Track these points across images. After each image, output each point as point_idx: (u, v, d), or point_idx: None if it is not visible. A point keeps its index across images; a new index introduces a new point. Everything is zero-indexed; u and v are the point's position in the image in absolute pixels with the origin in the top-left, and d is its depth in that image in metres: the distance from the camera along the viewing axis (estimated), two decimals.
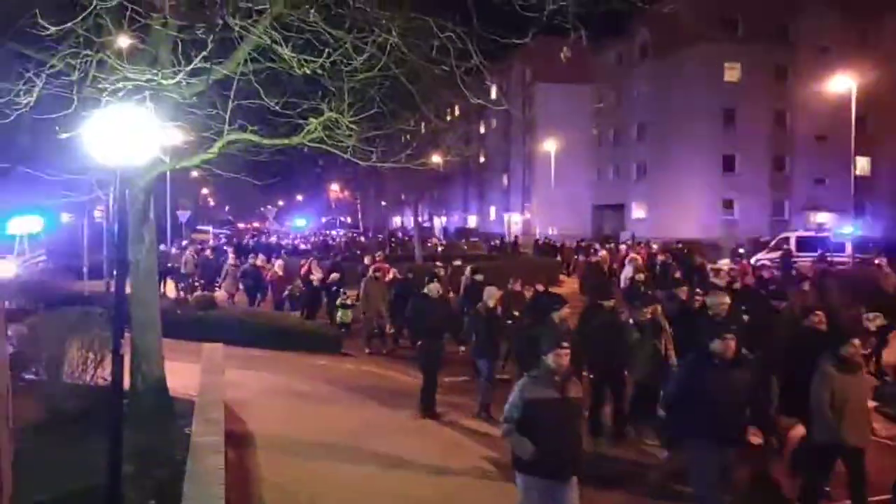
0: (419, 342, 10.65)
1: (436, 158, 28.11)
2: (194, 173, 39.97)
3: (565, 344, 5.43)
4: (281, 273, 19.58)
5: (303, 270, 19.43)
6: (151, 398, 9.08)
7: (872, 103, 43.52)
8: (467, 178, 74.48)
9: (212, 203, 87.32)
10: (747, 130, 49.18)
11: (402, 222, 76.58)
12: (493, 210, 75.27)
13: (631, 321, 9.58)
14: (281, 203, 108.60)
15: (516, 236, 50.22)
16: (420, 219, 41.46)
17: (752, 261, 33.77)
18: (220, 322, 15.30)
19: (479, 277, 14.62)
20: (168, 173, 25.35)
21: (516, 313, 12.45)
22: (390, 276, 17.27)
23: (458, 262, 19.74)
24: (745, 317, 10.10)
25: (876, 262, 22.59)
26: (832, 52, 45.46)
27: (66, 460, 7.25)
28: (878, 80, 43.74)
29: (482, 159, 74.99)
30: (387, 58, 8.39)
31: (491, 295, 10.82)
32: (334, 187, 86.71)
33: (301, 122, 9.30)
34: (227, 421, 8.09)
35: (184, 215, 37.97)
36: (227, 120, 8.32)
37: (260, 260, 21.57)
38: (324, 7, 7.99)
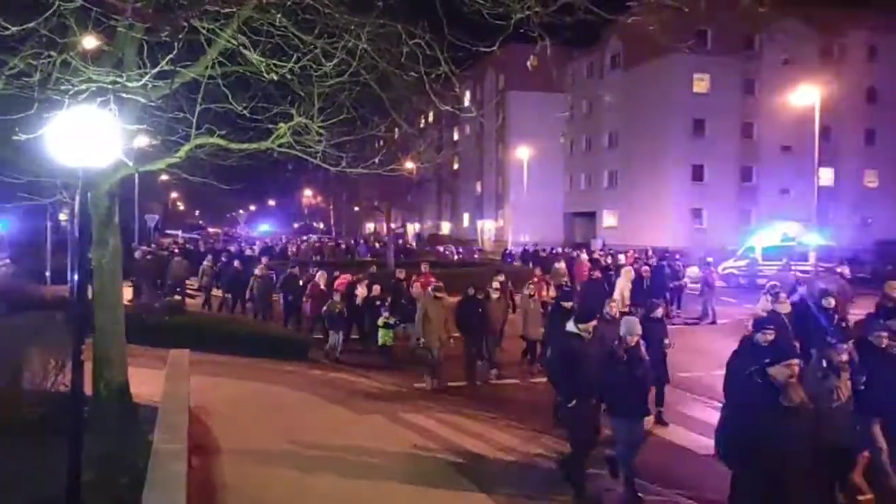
0: (571, 402, 7.63)
1: (408, 165, 28.03)
2: (163, 177, 39.54)
3: None
4: (323, 286, 16.75)
5: (338, 284, 16.85)
6: (114, 405, 8.96)
7: (836, 115, 44.54)
8: (441, 184, 74.60)
9: (181, 207, 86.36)
10: (716, 141, 49.93)
11: (376, 228, 76.40)
12: (466, 217, 75.41)
13: (824, 363, 7.03)
14: (252, 207, 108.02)
15: (535, 244, 43.65)
16: (393, 225, 41.38)
17: (720, 269, 34.34)
18: (187, 327, 15.14)
19: (567, 304, 11.60)
20: (136, 177, 25.00)
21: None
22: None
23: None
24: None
25: (838, 270, 23.03)
26: (797, 64, 46.36)
27: (25, 468, 7.13)
28: (841, 93, 44.78)
29: (455, 166, 75.17)
30: (357, 63, 8.39)
31: (632, 329, 7.76)
32: (307, 192, 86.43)
33: (270, 126, 9.26)
34: (192, 428, 8.00)
35: (152, 219, 37.55)
36: (194, 123, 8.25)
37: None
38: (292, 12, 7.96)
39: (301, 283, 18.04)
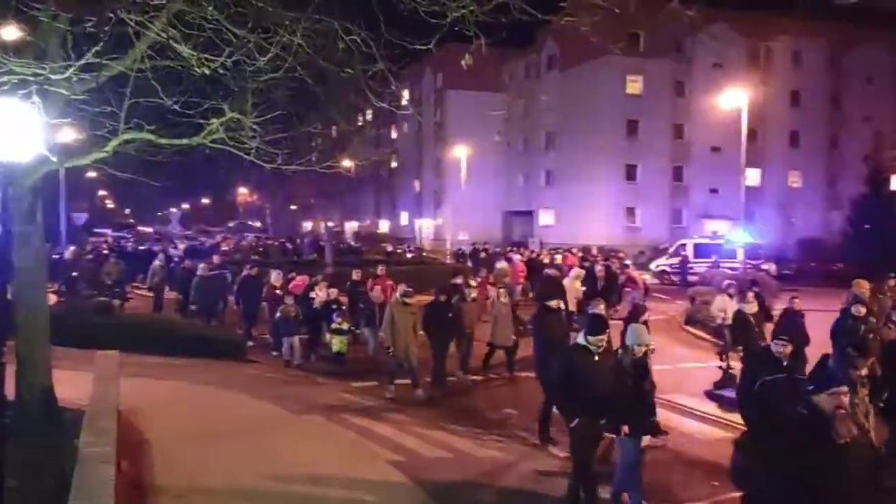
0: (573, 422, 6.95)
1: (346, 163, 27.79)
2: (91, 174, 38.26)
3: None
4: (278, 288, 15.86)
5: (294, 286, 16.14)
6: (39, 409, 8.64)
7: (762, 118, 46.16)
8: (379, 182, 74.32)
9: (111, 205, 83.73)
10: (648, 141, 51.14)
11: (313, 227, 75.66)
12: (405, 215, 75.32)
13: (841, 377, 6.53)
14: (186, 206, 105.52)
15: (485, 243, 41.23)
16: (331, 223, 41.06)
17: (653, 266, 35.23)
18: (116, 329, 14.68)
19: (553, 303, 10.40)
20: (62, 173, 24.14)
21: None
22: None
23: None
24: None
25: (764, 267, 23.93)
26: (725, 68, 47.88)
27: None
28: (767, 96, 46.44)
29: (394, 164, 75.01)
30: (292, 59, 8.29)
31: (641, 338, 7.16)
32: (242, 191, 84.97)
33: (202, 121, 9.06)
34: (123, 430, 7.79)
35: (80, 217, 36.26)
36: (122, 118, 8.02)
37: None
38: (225, 5, 7.80)
39: (260, 285, 16.89)
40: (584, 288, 17.73)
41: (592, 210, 51.30)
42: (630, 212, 52.19)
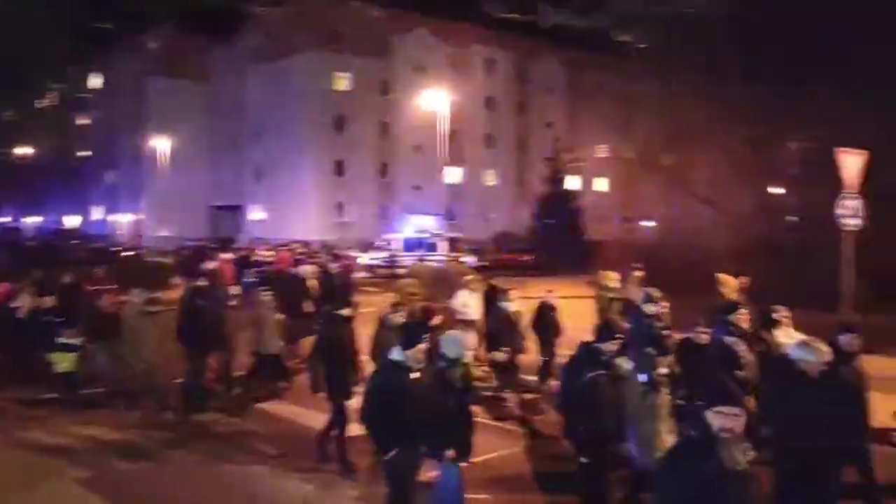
0: (391, 454, 5.88)
1: (21, 150, 24.58)
2: None
3: None
4: None
5: None
6: None
7: (461, 120, 49.74)
8: (65, 174, 66.84)
9: None
10: (356, 138, 52.42)
11: None
12: (98, 210, 68.64)
13: (644, 378, 6.26)
14: None
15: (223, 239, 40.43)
16: (6, 219, 36.00)
17: (362, 260, 36.14)
18: None
19: (346, 312, 9.00)
20: None
21: None
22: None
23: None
24: None
25: (460, 259, 25.74)
26: (427, 71, 50.73)
27: None
28: (465, 100, 50.13)
29: (87, 153, 67.96)
30: None
31: (466, 344, 6.37)
32: None
33: None
34: None
35: None
36: None
37: None
38: None
39: None
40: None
41: (303, 205, 51.26)
42: (339, 207, 53.03)
